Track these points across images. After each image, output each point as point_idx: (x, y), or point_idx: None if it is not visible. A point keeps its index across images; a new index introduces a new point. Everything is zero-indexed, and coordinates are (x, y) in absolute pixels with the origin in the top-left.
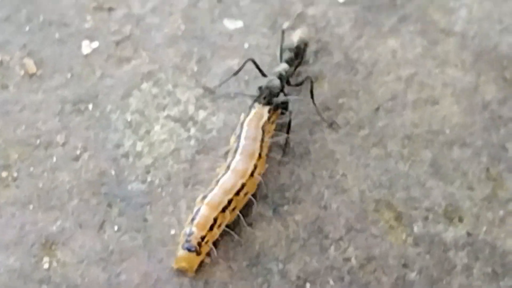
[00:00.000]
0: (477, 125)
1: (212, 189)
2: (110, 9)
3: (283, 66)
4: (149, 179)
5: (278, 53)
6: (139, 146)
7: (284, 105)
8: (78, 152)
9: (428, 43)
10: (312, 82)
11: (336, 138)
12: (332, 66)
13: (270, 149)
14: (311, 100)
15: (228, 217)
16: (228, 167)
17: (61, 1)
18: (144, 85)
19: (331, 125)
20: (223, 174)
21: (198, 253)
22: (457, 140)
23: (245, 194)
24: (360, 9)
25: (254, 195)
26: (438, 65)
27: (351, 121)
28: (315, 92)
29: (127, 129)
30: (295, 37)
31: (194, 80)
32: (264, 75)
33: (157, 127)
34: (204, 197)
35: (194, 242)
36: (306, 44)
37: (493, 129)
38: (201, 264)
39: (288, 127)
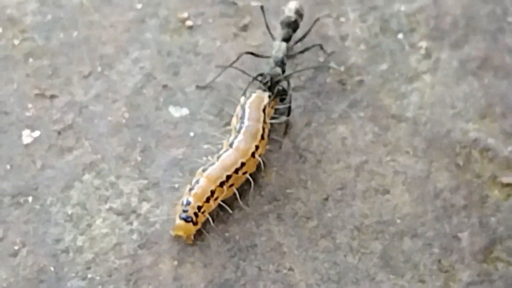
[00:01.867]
0: (429, 214)
1: (213, 163)
2: (52, 97)
3: (283, 48)
4: (89, 275)
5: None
6: (79, 240)
7: (284, 92)
8: (16, 247)
9: (379, 129)
10: (321, 46)
11: (283, 230)
12: (280, 155)
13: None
14: (253, 190)
15: (225, 192)
16: (231, 145)
17: (1, 88)
18: (86, 176)
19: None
20: (225, 151)
21: (195, 223)
22: (408, 230)
23: (244, 173)
24: (309, 94)
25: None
26: (389, 152)
27: (299, 212)
28: (261, 183)
29: (68, 222)
30: (290, 12)
31: (138, 171)
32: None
33: (98, 221)
34: (204, 170)
35: (191, 212)
36: (301, 15)
37: (445, 219)
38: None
39: (288, 111)
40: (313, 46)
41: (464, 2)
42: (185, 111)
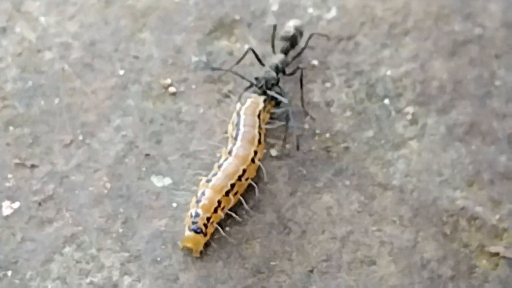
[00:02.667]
0: (416, 286)
1: (215, 173)
2: (33, 166)
3: (280, 57)
4: None
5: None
6: None
7: (277, 100)
8: None
9: (365, 198)
10: (302, 71)
11: None
12: (265, 226)
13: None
14: (237, 263)
15: (231, 200)
16: (230, 152)
17: None
18: (67, 249)
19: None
20: (225, 159)
21: (204, 234)
22: None
23: (246, 179)
24: (294, 162)
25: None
26: (375, 222)
27: (283, 285)
28: (245, 254)
29: None
30: (289, 28)
31: (119, 243)
32: (263, 64)
33: None
34: (208, 181)
35: (200, 224)
36: (301, 33)
37: None
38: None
39: (287, 119)
40: (298, 69)
41: (451, 66)
42: (167, 181)
